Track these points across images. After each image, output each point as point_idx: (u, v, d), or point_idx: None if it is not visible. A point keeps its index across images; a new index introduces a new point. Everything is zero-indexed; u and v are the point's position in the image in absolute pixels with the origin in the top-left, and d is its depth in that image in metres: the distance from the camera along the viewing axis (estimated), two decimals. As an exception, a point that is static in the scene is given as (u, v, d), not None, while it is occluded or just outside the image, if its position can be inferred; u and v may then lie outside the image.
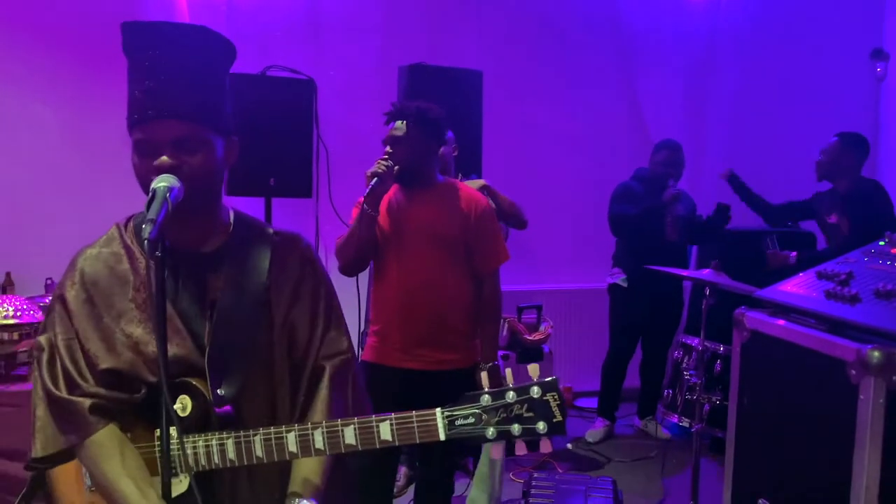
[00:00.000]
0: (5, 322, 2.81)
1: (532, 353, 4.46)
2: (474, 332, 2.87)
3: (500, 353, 4.44)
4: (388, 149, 2.75)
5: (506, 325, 4.48)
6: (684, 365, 3.84)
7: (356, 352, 1.75)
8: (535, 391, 1.32)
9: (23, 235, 4.25)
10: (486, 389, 1.34)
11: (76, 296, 1.46)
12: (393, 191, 2.83)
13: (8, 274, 4.03)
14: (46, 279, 3.84)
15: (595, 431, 4.72)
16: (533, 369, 1.35)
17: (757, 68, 5.47)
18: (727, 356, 3.61)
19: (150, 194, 1.31)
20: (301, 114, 4.09)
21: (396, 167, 2.72)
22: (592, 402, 5.00)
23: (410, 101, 2.86)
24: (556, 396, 1.32)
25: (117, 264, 1.47)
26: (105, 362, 1.42)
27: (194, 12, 4.41)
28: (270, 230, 1.58)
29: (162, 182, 1.32)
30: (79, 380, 1.41)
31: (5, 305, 2.87)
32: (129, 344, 1.42)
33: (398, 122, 2.75)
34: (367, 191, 2.67)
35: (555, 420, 1.31)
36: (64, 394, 1.41)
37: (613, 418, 4.81)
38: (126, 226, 1.53)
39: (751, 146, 5.38)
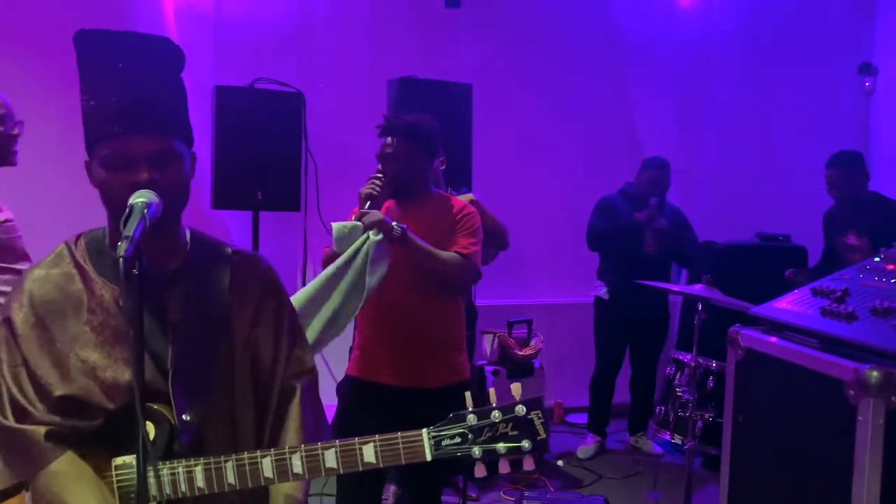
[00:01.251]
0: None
1: (523, 368, 4.43)
2: (461, 347, 2.82)
3: (490, 368, 4.41)
4: (380, 165, 2.73)
5: (496, 340, 4.45)
6: (676, 381, 3.81)
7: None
8: (520, 409, 1.34)
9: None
10: (471, 409, 1.35)
11: (24, 320, 1.37)
12: (387, 205, 2.80)
13: None
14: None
15: (586, 448, 4.68)
16: (516, 388, 1.38)
17: (747, 81, 5.49)
18: (720, 372, 3.58)
19: (128, 210, 1.26)
20: (290, 127, 4.06)
21: (388, 182, 2.68)
22: (583, 418, 4.96)
23: (403, 113, 2.81)
24: (539, 414, 1.34)
25: (68, 285, 1.39)
26: (59, 389, 1.34)
27: (182, 25, 4.36)
28: (229, 250, 1.53)
29: (140, 198, 1.27)
30: (29, 407, 1.32)
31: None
32: (85, 369, 1.35)
33: (389, 138, 2.71)
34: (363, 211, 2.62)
35: (539, 438, 1.34)
36: (13, 423, 1.32)
37: (604, 434, 4.77)
38: (76, 243, 1.45)
39: (741, 157, 5.39)
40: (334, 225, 2.57)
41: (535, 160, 5.27)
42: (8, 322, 1.38)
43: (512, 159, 5.19)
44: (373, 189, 2.65)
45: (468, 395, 1.39)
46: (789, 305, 2.44)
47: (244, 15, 4.57)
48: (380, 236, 2.53)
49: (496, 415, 1.33)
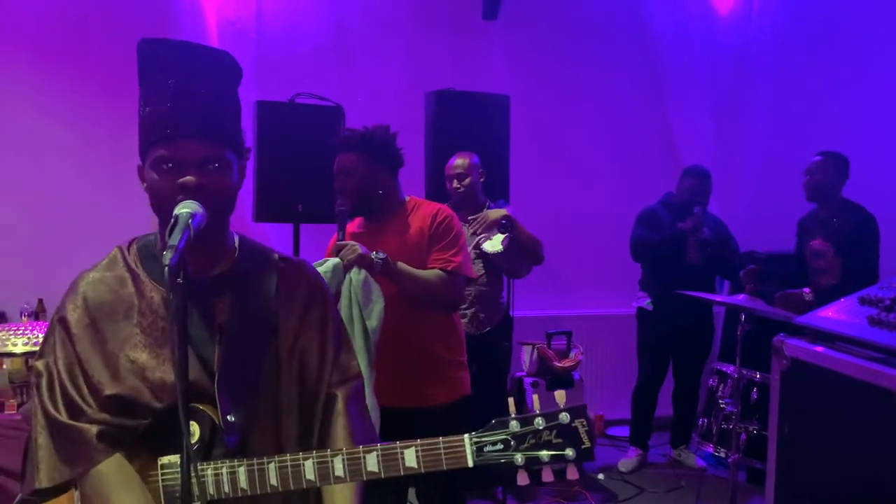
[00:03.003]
0: (36, 349, 2.82)
1: (562, 380, 4.40)
2: (461, 362, 2.75)
3: (529, 379, 4.39)
4: (337, 182, 2.65)
5: (535, 352, 4.43)
6: (719, 393, 3.74)
7: None
8: (564, 417, 1.31)
9: (54, 262, 4.28)
10: (514, 415, 1.33)
11: (79, 320, 1.41)
12: (356, 224, 2.74)
13: (40, 300, 4.07)
14: (77, 306, 3.86)
15: (627, 461, 4.62)
16: (560, 395, 1.35)
17: (787, 88, 5.39)
18: (764, 384, 3.51)
19: (173, 220, 1.29)
20: (329, 140, 4.10)
21: (339, 203, 2.62)
22: (625, 431, 4.90)
23: (358, 128, 2.71)
24: (584, 423, 1.32)
25: (121, 288, 1.43)
26: (109, 388, 1.37)
27: (224, 41, 4.45)
28: (276, 256, 1.56)
29: (185, 208, 1.30)
30: (83, 405, 1.36)
31: (35, 332, 2.88)
32: (135, 370, 1.38)
33: (344, 154, 2.64)
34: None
35: (583, 446, 1.31)
36: (66, 420, 1.36)
37: (646, 447, 4.71)
38: (129, 248, 1.50)
39: (782, 165, 5.28)
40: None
41: (573, 170, 5.25)
42: (63, 321, 1.42)
43: (550, 170, 5.18)
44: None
45: (511, 401, 1.37)
46: (836, 314, 2.39)
47: (284, 31, 4.65)
48: (362, 274, 2.46)
49: (539, 422, 1.31)
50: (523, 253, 3.81)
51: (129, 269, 1.45)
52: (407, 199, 2.75)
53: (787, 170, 5.18)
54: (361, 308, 2.46)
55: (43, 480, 1.36)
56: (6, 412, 2.79)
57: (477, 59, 4.99)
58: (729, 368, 3.71)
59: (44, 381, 1.39)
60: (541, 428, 1.31)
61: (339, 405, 1.50)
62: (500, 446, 1.31)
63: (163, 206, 1.36)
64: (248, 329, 1.44)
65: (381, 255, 2.47)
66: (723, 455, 3.67)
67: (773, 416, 2.52)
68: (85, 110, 4.38)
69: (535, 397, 1.36)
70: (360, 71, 4.79)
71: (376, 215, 2.69)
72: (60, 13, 4.33)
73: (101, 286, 1.44)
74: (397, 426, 2.49)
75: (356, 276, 2.45)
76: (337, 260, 2.47)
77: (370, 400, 2.44)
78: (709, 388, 3.89)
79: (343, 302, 2.48)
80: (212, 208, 1.34)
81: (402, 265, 2.52)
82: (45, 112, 4.35)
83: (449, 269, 2.59)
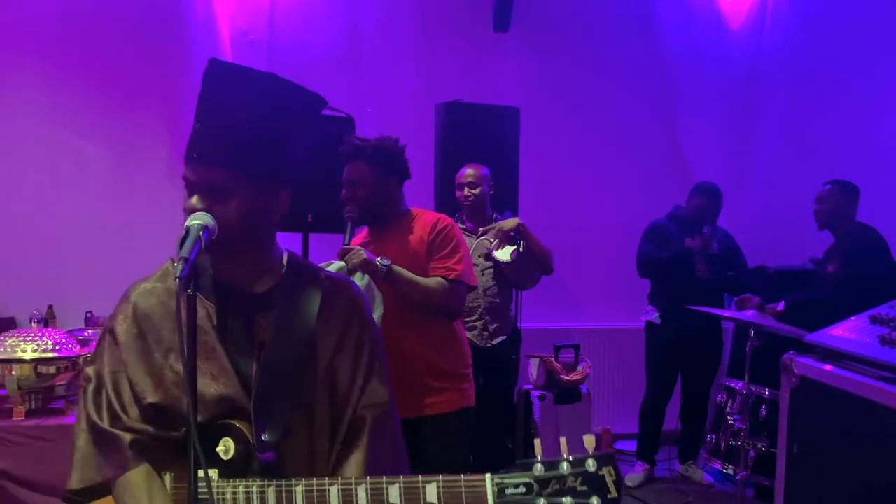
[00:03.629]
0: (45, 356, 2.83)
1: (570, 393, 4.38)
2: (464, 373, 2.74)
3: (537, 392, 4.37)
4: (345, 191, 2.69)
5: (542, 365, 4.41)
6: (728, 409, 3.72)
7: None
8: (591, 464, 1.27)
9: (64, 269, 4.31)
10: (539, 459, 1.29)
11: (127, 329, 1.45)
12: (363, 235, 2.78)
13: (50, 307, 4.08)
14: (86, 312, 3.88)
15: (635, 475, 4.59)
16: (589, 441, 1.30)
17: (799, 101, 5.37)
18: (773, 401, 3.49)
19: (184, 232, 1.30)
20: (338, 150, 4.11)
21: (348, 210, 2.66)
22: (632, 445, 4.87)
23: (368, 138, 2.74)
24: (611, 471, 1.27)
25: (170, 300, 1.46)
26: (151, 397, 1.41)
27: (237, 52, 4.48)
28: (322, 274, 1.56)
29: (195, 220, 1.31)
30: (121, 413, 1.40)
31: (45, 339, 2.89)
32: (177, 381, 1.41)
33: (354, 163, 2.69)
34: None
35: (610, 496, 1.26)
36: (107, 426, 1.40)
37: (653, 462, 4.68)
38: None
39: (793, 180, 5.26)
40: None
41: (582, 183, 5.24)
42: (112, 331, 1.47)
43: (559, 182, 5.18)
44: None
45: (538, 442, 1.33)
46: (846, 333, 2.38)
47: (296, 42, 4.68)
48: (365, 280, 2.48)
49: (565, 467, 1.26)
50: (534, 263, 3.81)
51: None
52: (411, 209, 2.78)
53: (799, 184, 5.17)
54: None
55: (75, 482, 1.41)
56: (14, 418, 2.79)
57: (487, 71, 5.00)
58: (738, 384, 3.69)
59: (91, 387, 1.44)
60: (566, 473, 1.26)
61: (364, 430, 1.48)
62: (522, 489, 1.27)
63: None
64: (288, 347, 1.44)
65: (386, 262, 2.49)
66: (731, 472, 3.65)
67: (781, 434, 2.50)
68: (99, 121, 4.42)
69: (563, 440, 1.31)
70: (370, 82, 4.81)
71: (381, 224, 2.72)
72: (76, 24, 4.37)
73: (152, 297, 1.48)
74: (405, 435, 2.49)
75: (360, 280, 2.47)
76: (341, 264, 2.49)
77: None
78: (717, 403, 3.87)
79: None
80: (220, 233, 1.34)
81: (404, 271, 2.54)
82: (59, 122, 4.39)
83: (451, 277, 2.61)
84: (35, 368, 2.80)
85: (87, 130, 4.43)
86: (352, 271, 2.49)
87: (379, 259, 2.50)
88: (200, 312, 1.43)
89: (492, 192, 3.87)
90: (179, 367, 1.41)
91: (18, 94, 4.35)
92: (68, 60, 4.38)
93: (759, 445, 3.51)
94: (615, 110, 5.26)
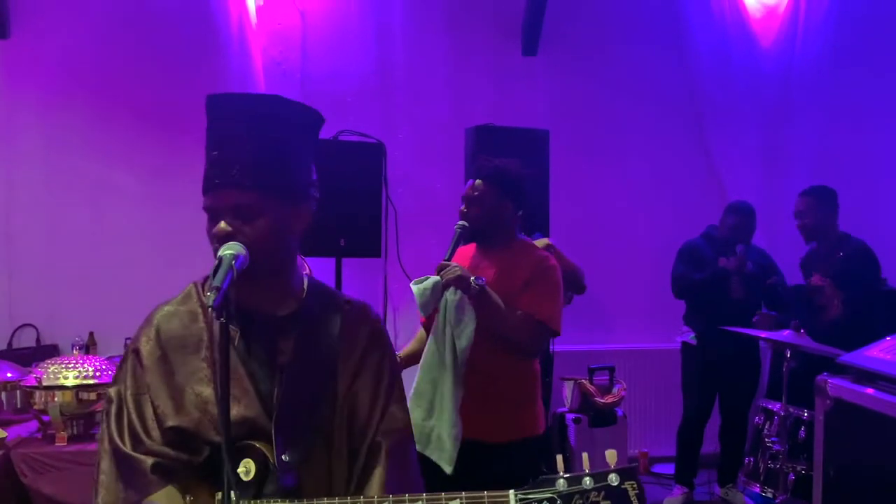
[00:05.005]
0: (86, 382, 2.91)
1: (605, 416, 4.34)
2: (534, 402, 2.73)
3: (571, 416, 4.34)
4: (463, 206, 2.71)
5: (577, 388, 4.38)
6: (766, 431, 3.66)
7: None
8: (614, 479, 1.27)
9: (106, 296, 4.43)
10: (562, 474, 1.29)
11: (151, 352, 1.46)
12: (472, 249, 2.79)
13: (91, 334, 4.20)
14: (126, 339, 3.97)
15: (673, 499, 4.52)
16: (611, 455, 1.30)
17: (836, 116, 5.29)
18: (811, 422, 3.41)
19: (217, 262, 1.33)
20: (371, 176, 4.18)
21: (464, 225, 2.67)
22: (670, 469, 4.79)
23: (493, 158, 2.76)
24: (634, 486, 1.27)
25: (192, 323, 1.48)
26: (172, 420, 1.42)
27: (270, 81, 4.60)
28: (342, 298, 1.58)
29: (228, 250, 1.35)
30: (143, 436, 1.41)
31: (86, 366, 2.97)
32: (199, 403, 1.42)
33: (476, 181, 2.69)
34: None
35: None
36: (129, 449, 1.40)
37: (692, 485, 4.60)
38: (203, 285, 1.54)
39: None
40: (414, 290, 2.51)
41: (614, 204, 5.22)
42: (136, 352, 1.47)
43: (590, 203, 5.17)
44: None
45: (560, 458, 1.34)
46: (881, 354, 2.33)
47: (328, 70, 4.78)
48: (458, 295, 2.48)
49: (588, 482, 1.26)
50: (566, 282, 3.81)
51: (202, 305, 1.50)
52: (522, 237, 2.81)
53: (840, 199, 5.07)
54: (453, 328, 2.51)
55: None
56: (57, 444, 2.87)
57: (517, 95, 5.04)
58: (775, 406, 3.63)
59: (113, 409, 1.45)
60: (588, 488, 1.26)
61: (382, 454, 1.48)
62: None
63: (214, 252, 1.41)
64: (309, 370, 1.46)
65: (480, 282, 2.49)
66: (770, 495, 3.58)
67: (817, 457, 2.46)
68: (139, 151, 4.55)
69: (585, 455, 1.32)
70: (401, 108, 4.88)
71: (489, 245, 2.72)
72: (115, 56, 4.52)
73: (174, 319, 1.49)
74: (464, 457, 2.50)
75: (452, 296, 2.50)
76: (437, 278, 2.51)
77: (454, 418, 2.48)
78: (755, 425, 3.81)
79: (439, 320, 2.55)
80: (252, 255, 1.38)
81: (495, 296, 2.52)
82: (100, 156, 4.54)
83: (538, 317, 2.57)
84: (77, 395, 2.88)
85: (127, 163, 4.56)
86: (446, 286, 2.51)
87: (473, 278, 2.50)
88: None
89: (520, 212, 3.87)
90: (201, 389, 1.43)
91: (61, 129, 4.51)
92: (107, 97, 4.53)
93: (799, 468, 3.44)
94: (646, 130, 5.24)
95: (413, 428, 2.43)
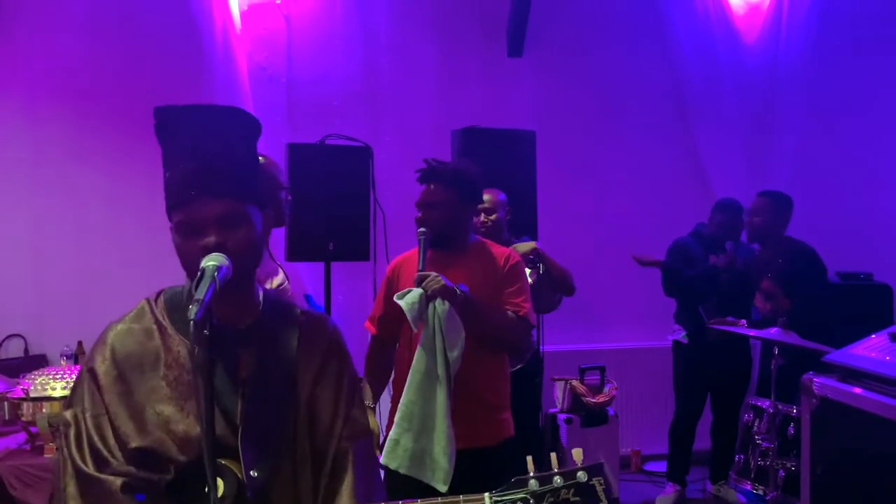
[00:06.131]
0: (73, 393, 2.89)
1: (596, 415, 4.35)
2: (507, 404, 2.73)
3: (563, 416, 4.35)
4: (421, 213, 2.67)
5: (568, 388, 4.39)
6: (755, 428, 3.67)
7: None
8: (582, 476, 1.30)
9: (94, 304, 4.40)
10: (533, 474, 1.32)
11: (107, 371, 1.43)
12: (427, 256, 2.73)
13: (80, 343, 4.17)
14: (115, 347, 3.95)
15: (665, 497, 4.54)
16: (577, 453, 1.33)
17: (819, 112, 5.33)
18: (801, 419, 3.44)
19: (199, 273, 1.31)
20: (358, 179, 4.18)
21: (425, 232, 2.63)
22: (662, 466, 4.81)
23: (447, 161, 2.75)
24: (601, 481, 1.30)
25: (148, 340, 1.45)
26: (135, 441, 1.39)
27: (255, 87, 4.58)
28: (298, 310, 1.58)
29: (211, 261, 1.33)
30: (108, 457, 1.37)
31: (73, 376, 2.96)
32: (160, 422, 1.39)
33: (431, 185, 2.66)
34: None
35: None
36: (93, 471, 1.36)
37: (684, 483, 4.61)
38: (156, 300, 1.52)
39: (817, 193, 5.21)
40: (403, 305, 2.45)
41: (602, 203, 5.23)
42: (92, 373, 1.43)
43: (578, 203, 5.17)
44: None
45: (530, 459, 1.36)
46: (866, 352, 2.34)
47: (314, 74, 4.77)
48: (446, 304, 2.45)
49: (558, 480, 1.30)
50: (554, 285, 3.81)
51: (157, 321, 1.47)
52: (479, 238, 2.78)
53: (820, 196, 5.12)
54: (445, 338, 2.47)
55: None
56: (46, 455, 2.86)
57: (503, 96, 5.04)
58: (764, 403, 3.64)
59: (72, 432, 1.41)
60: (559, 486, 1.30)
61: (348, 461, 1.49)
62: None
63: (190, 269, 1.40)
64: (270, 382, 1.46)
65: (463, 288, 2.47)
66: (761, 492, 3.59)
67: (804, 455, 2.47)
68: (124, 159, 4.53)
69: (553, 455, 1.34)
70: (388, 111, 4.87)
71: (449, 250, 2.68)
72: (98, 63, 4.50)
73: (129, 338, 1.45)
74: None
75: (440, 306, 2.45)
76: (420, 290, 2.46)
77: (448, 432, 2.45)
78: (745, 423, 3.82)
79: (426, 332, 2.49)
80: (236, 263, 1.37)
81: (480, 301, 2.51)
82: (87, 165, 4.52)
83: (521, 314, 2.59)
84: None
85: (113, 170, 4.55)
86: (431, 297, 2.46)
87: (456, 286, 2.47)
88: (182, 352, 1.44)
89: (508, 217, 3.87)
90: (162, 408, 1.40)
91: (46, 137, 4.49)
92: (91, 104, 4.51)
93: (789, 465, 3.46)
94: (632, 129, 5.25)
95: (403, 453, 2.46)
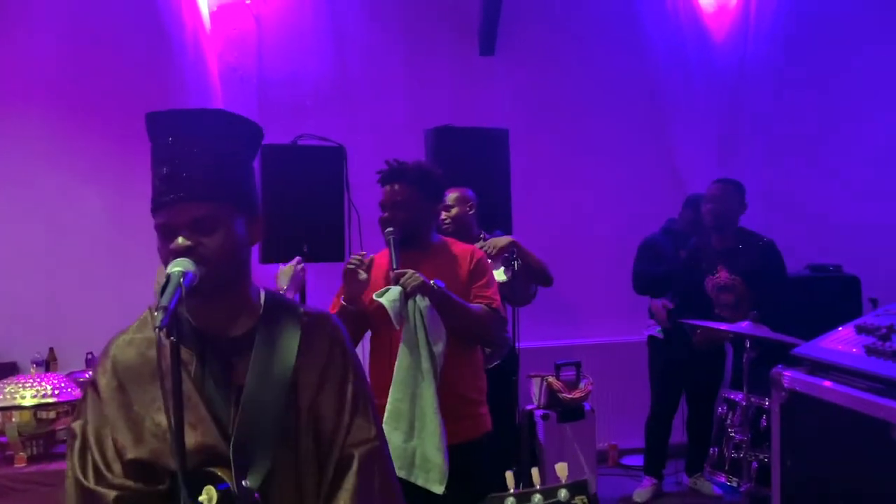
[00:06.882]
0: (44, 401, 2.85)
1: (573, 411, 4.37)
2: (484, 399, 2.76)
3: (540, 412, 4.37)
4: (385, 213, 2.68)
5: (544, 384, 4.41)
6: (729, 421, 3.70)
7: None
8: (563, 494, 1.27)
9: (65, 311, 4.36)
10: (512, 492, 1.29)
11: (108, 383, 1.45)
12: (388, 256, 2.75)
13: (51, 350, 4.13)
14: (87, 354, 3.91)
15: (642, 491, 4.58)
16: (560, 469, 1.30)
17: (788, 108, 5.40)
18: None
19: (164, 280, 1.31)
20: (332, 180, 4.16)
21: (392, 230, 2.64)
22: (639, 460, 4.86)
23: (406, 161, 2.76)
24: (584, 500, 1.27)
25: (148, 350, 1.45)
26: (132, 452, 1.40)
27: (227, 88, 4.55)
28: (301, 310, 1.55)
29: (176, 267, 1.32)
30: (104, 471, 1.39)
31: (44, 384, 2.91)
32: (157, 433, 1.40)
33: (395, 185, 2.68)
34: (344, 286, 2.56)
35: None
36: (91, 484, 1.39)
37: (661, 476, 4.66)
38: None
39: (787, 187, 5.29)
40: (385, 303, 2.46)
41: (575, 200, 5.26)
42: (94, 385, 1.46)
43: (552, 200, 5.20)
44: (351, 265, 2.53)
45: (510, 475, 1.34)
46: (833, 344, 2.38)
47: (285, 75, 4.75)
48: (426, 301, 2.48)
49: (537, 499, 1.27)
50: (532, 277, 3.83)
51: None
52: (439, 238, 2.81)
53: (790, 191, 5.19)
54: (428, 333, 2.49)
55: None
56: (16, 465, 2.82)
57: (475, 95, 5.05)
58: (738, 396, 3.67)
59: (77, 444, 1.43)
60: None
61: (351, 470, 1.46)
62: None
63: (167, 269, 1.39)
64: (267, 389, 1.43)
65: (440, 284, 2.50)
66: (735, 484, 3.62)
67: (774, 448, 2.51)
68: (97, 166, 4.48)
69: (535, 471, 1.32)
70: (361, 110, 4.86)
71: (415, 248, 2.69)
72: (67, 67, 4.45)
73: (130, 349, 1.47)
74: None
75: (421, 302, 2.48)
76: (398, 289, 2.49)
77: (439, 429, 2.46)
78: (718, 416, 3.86)
79: (408, 328, 2.51)
80: (208, 267, 1.36)
81: (456, 297, 2.54)
82: (57, 167, 4.46)
83: (493, 306, 2.64)
84: (35, 414, 2.83)
85: (84, 174, 4.49)
86: (409, 295, 2.48)
87: (432, 281, 2.50)
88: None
89: (471, 211, 3.85)
90: (161, 418, 1.39)
91: (12, 139, 4.43)
92: (60, 109, 4.46)
93: (762, 457, 3.48)
94: (605, 126, 5.28)
95: (392, 452, 2.46)
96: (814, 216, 4.92)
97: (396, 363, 2.55)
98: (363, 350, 2.82)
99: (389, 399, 2.54)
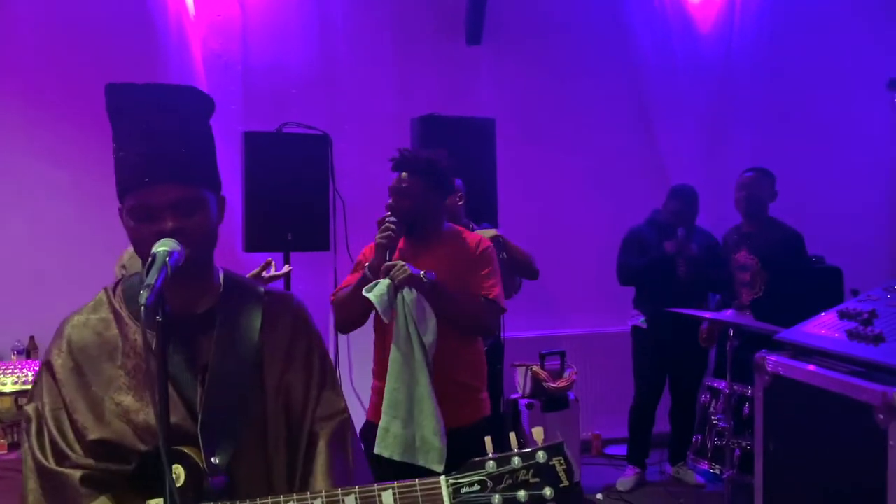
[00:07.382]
0: (25, 388, 2.83)
1: (557, 401, 4.39)
2: (483, 385, 2.80)
3: (525, 401, 4.38)
4: (392, 199, 2.71)
5: (529, 373, 4.42)
6: (712, 409, 3.74)
7: None
8: (541, 456, 1.27)
9: (46, 298, 4.29)
10: (491, 455, 1.30)
11: (63, 364, 1.41)
12: (400, 243, 2.79)
13: (31, 338, 4.08)
14: (69, 341, 3.87)
15: (626, 480, 4.60)
16: (537, 433, 1.31)
17: (773, 101, 5.44)
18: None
19: (150, 259, 1.29)
20: (317, 168, 4.14)
21: (395, 221, 2.67)
22: (622, 450, 4.88)
23: (420, 150, 2.82)
24: (562, 461, 1.27)
25: (105, 330, 1.43)
26: (94, 433, 1.37)
27: (210, 74, 4.50)
28: (261, 290, 1.54)
29: (162, 246, 1.30)
30: (67, 451, 1.36)
31: (25, 371, 2.89)
32: (119, 412, 1.38)
33: (404, 173, 2.71)
34: (374, 258, 2.61)
35: (562, 486, 1.26)
36: (52, 465, 1.36)
37: (644, 465, 4.69)
38: (115, 290, 1.50)
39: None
40: (372, 298, 2.51)
41: (561, 190, 5.27)
42: (49, 366, 1.42)
43: (538, 190, 5.20)
44: (388, 236, 2.61)
45: (488, 440, 1.34)
46: (816, 329, 2.40)
47: (270, 62, 4.70)
48: (414, 293, 2.52)
49: (516, 461, 1.27)
50: (517, 269, 3.83)
51: (114, 311, 1.45)
52: (452, 225, 2.84)
53: (776, 182, 5.21)
54: (417, 324, 2.54)
55: None
56: (-4, 451, 2.80)
57: (462, 84, 5.03)
58: (721, 384, 3.71)
59: (33, 427, 1.40)
60: (518, 467, 1.27)
61: (322, 442, 1.47)
62: (476, 487, 1.27)
63: (143, 254, 1.36)
64: (232, 367, 1.43)
65: (431, 276, 2.52)
66: (717, 471, 3.66)
67: (757, 432, 2.53)
68: (75, 148, 4.41)
69: (512, 435, 1.32)
70: (346, 98, 4.83)
71: (421, 238, 2.74)
72: (49, 50, 4.38)
73: (86, 329, 1.44)
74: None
75: (409, 294, 2.52)
76: (387, 281, 2.52)
77: (436, 413, 2.52)
78: (702, 404, 3.89)
79: (399, 320, 2.56)
80: (192, 248, 1.35)
81: (447, 288, 2.58)
82: (34, 152, 4.39)
83: (490, 296, 2.66)
84: (16, 401, 2.82)
85: (63, 160, 4.43)
86: (398, 287, 2.52)
87: (423, 273, 2.52)
88: (139, 340, 1.42)
89: (461, 202, 3.86)
90: (121, 398, 1.38)
91: (-5, 126, 4.36)
92: (42, 92, 4.38)
93: (744, 444, 3.52)
94: (590, 117, 5.29)
95: (394, 439, 2.50)
96: (797, 208, 4.94)
97: (390, 354, 2.61)
98: (367, 332, 2.86)
99: (386, 388, 2.60)
